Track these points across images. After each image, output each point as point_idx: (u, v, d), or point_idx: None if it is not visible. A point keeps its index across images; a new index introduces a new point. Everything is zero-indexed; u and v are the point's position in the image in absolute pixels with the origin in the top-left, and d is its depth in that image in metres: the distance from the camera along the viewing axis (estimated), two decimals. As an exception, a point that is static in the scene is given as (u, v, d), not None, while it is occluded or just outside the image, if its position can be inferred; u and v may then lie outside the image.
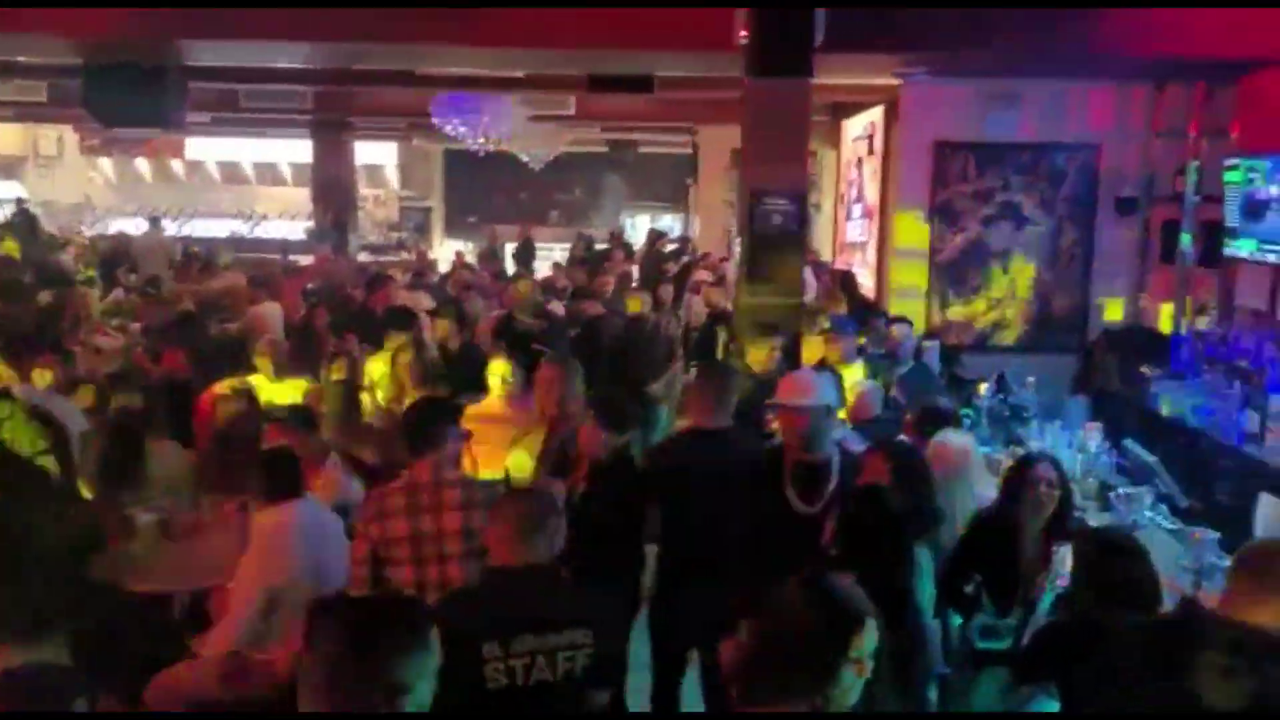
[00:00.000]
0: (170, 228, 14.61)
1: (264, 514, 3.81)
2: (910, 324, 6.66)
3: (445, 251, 19.42)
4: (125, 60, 7.91)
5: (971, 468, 4.30)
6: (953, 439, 4.37)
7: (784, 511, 3.72)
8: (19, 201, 16.53)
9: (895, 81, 8.83)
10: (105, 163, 21.11)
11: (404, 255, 17.09)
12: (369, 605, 2.36)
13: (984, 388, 6.61)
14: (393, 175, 22.07)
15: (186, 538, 4.43)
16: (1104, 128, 8.64)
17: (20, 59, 10.25)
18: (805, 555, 3.23)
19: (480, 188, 21.72)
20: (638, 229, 22.05)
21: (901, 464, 3.65)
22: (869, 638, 2.03)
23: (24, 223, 15.02)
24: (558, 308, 9.31)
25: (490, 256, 16.25)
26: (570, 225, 21.63)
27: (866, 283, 10.37)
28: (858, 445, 4.22)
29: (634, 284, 11.25)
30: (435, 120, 11.85)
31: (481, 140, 12.36)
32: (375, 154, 20.66)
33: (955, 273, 9.04)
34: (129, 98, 7.95)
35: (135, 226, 16.72)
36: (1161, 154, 8.56)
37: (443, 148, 20.31)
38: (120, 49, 7.70)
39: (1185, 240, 8.19)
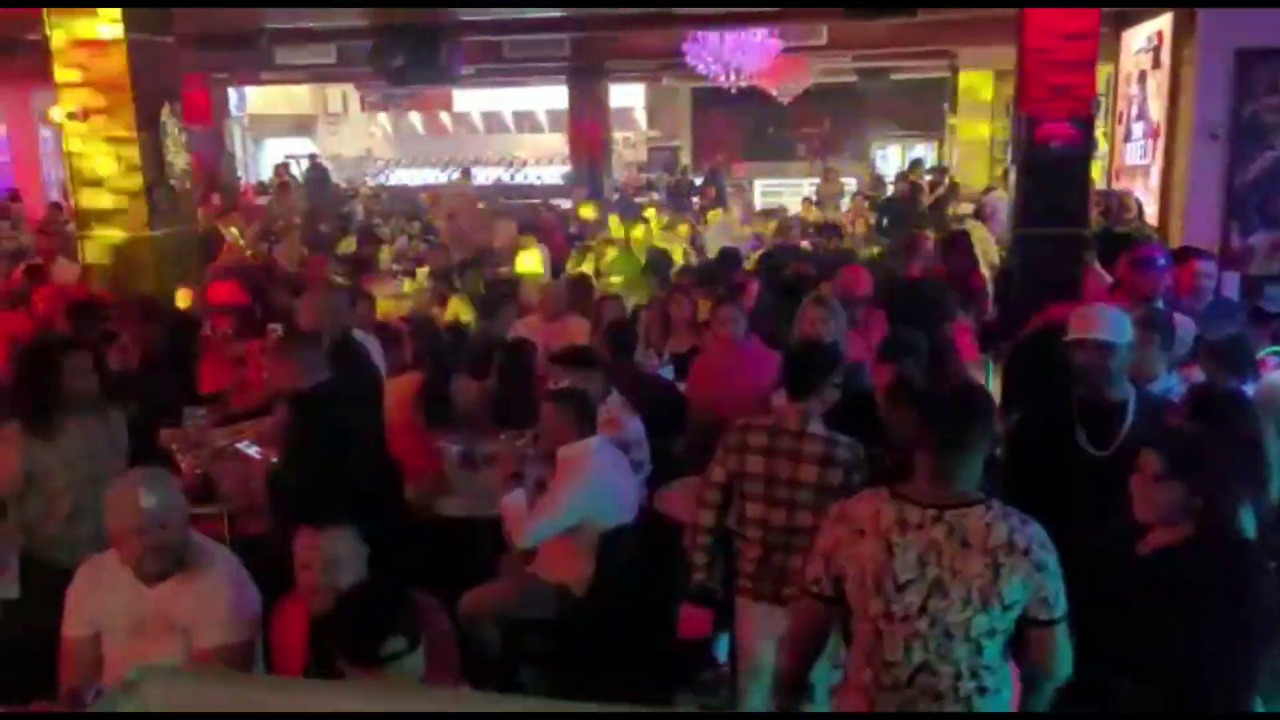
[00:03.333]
0: (442, 177, 15.60)
1: (568, 448, 4.07)
2: (1213, 258, 6.09)
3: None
4: (407, 20, 8.45)
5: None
6: (1273, 378, 4.00)
7: (1072, 454, 3.56)
8: (312, 157, 18.12)
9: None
10: (383, 117, 22.70)
11: (654, 196, 17.39)
12: None
13: (1297, 322, 5.99)
14: (641, 117, 22.40)
15: (487, 467, 4.79)
16: None
17: (312, 25, 11.16)
18: (1096, 501, 3.10)
19: (727, 125, 21.65)
20: (888, 160, 21.33)
21: (1211, 411, 3.36)
22: None
23: (318, 176, 16.46)
24: (806, 245, 9.24)
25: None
26: (817, 159, 21.18)
27: (1150, 209, 9.57)
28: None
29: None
30: (689, 59, 11.91)
31: (733, 77, 12.30)
32: (624, 97, 21.01)
33: (1259, 195, 8.18)
34: (412, 56, 8.49)
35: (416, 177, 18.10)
36: None
37: (690, 86, 20.36)
38: (403, 10, 8.23)
39: None
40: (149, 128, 6.66)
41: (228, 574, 3.01)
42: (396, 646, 2.50)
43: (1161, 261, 5.38)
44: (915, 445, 2.66)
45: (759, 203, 16.44)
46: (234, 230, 11.07)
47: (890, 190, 14.74)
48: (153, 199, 6.67)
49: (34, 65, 8.81)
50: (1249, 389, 4.00)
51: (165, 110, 6.77)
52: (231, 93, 17.10)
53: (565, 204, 14.59)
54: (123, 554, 2.93)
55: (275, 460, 4.38)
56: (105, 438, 3.91)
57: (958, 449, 2.58)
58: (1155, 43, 9.81)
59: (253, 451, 4.61)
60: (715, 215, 11.21)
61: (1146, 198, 9.79)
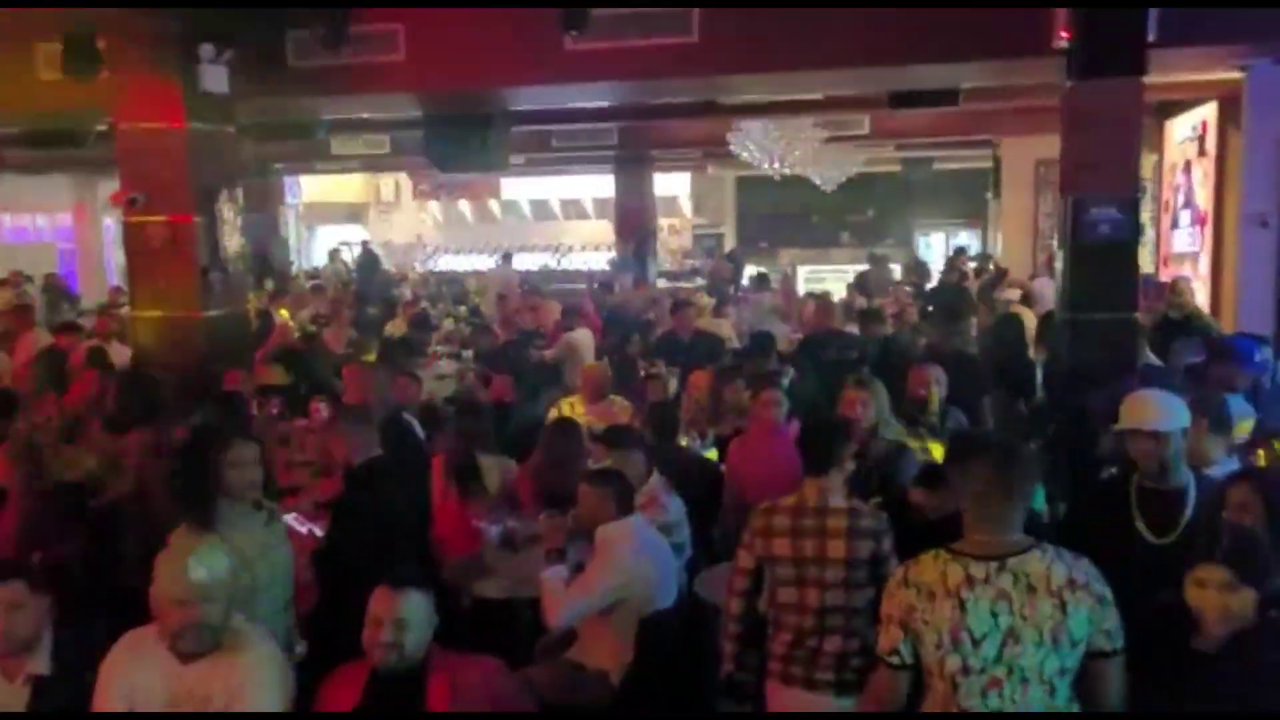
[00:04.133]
0: (490, 262, 15.90)
1: (606, 529, 4.02)
2: (1268, 342, 6.00)
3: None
4: (459, 111, 8.69)
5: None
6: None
7: (1131, 542, 3.46)
8: (364, 243, 18.55)
9: (1233, 74, 8.03)
10: (434, 205, 23.24)
11: (699, 281, 17.53)
12: None
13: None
14: (686, 204, 22.72)
15: (526, 548, 4.74)
16: None
17: (367, 115, 11.52)
18: (1157, 589, 3.01)
19: (771, 212, 21.89)
20: (932, 247, 21.38)
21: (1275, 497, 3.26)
22: None
23: (369, 261, 16.83)
24: (852, 328, 9.20)
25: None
26: (863, 246, 21.25)
27: (1200, 297, 9.45)
28: None
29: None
30: (733, 148, 12.10)
31: (777, 165, 12.47)
32: (669, 185, 21.36)
33: (1315, 281, 8.07)
34: (463, 145, 8.72)
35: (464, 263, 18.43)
36: None
37: (735, 175, 20.64)
38: (454, 101, 8.47)
39: None
40: (205, 213, 6.87)
41: (266, 655, 2.98)
42: None
43: (1258, 358, 5.26)
44: (967, 502, 2.73)
45: (802, 289, 16.47)
46: (284, 313, 11.29)
47: (936, 279, 14.72)
48: (206, 282, 6.84)
49: (100, 155, 9.18)
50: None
51: (223, 196, 6.99)
52: (287, 180, 17.63)
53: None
54: (163, 625, 2.91)
55: (322, 535, 4.39)
56: (268, 537, 3.71)
57: (1012, 497, 2.67)
58: (1200, 131, 9.82)
59: (297, 524, 4.61)
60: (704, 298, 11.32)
61: (1196, 285, 9.68)
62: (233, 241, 6.98)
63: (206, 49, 6.42)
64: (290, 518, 4.63)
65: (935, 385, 5.37)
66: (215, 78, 6.71)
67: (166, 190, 6.82)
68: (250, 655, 2.94)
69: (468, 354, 9.34)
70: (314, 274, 16.83)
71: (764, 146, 11.94)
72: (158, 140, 6.82)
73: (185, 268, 6.83)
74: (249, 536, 3.58)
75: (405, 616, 2.86)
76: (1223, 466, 3.96)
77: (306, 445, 5.82)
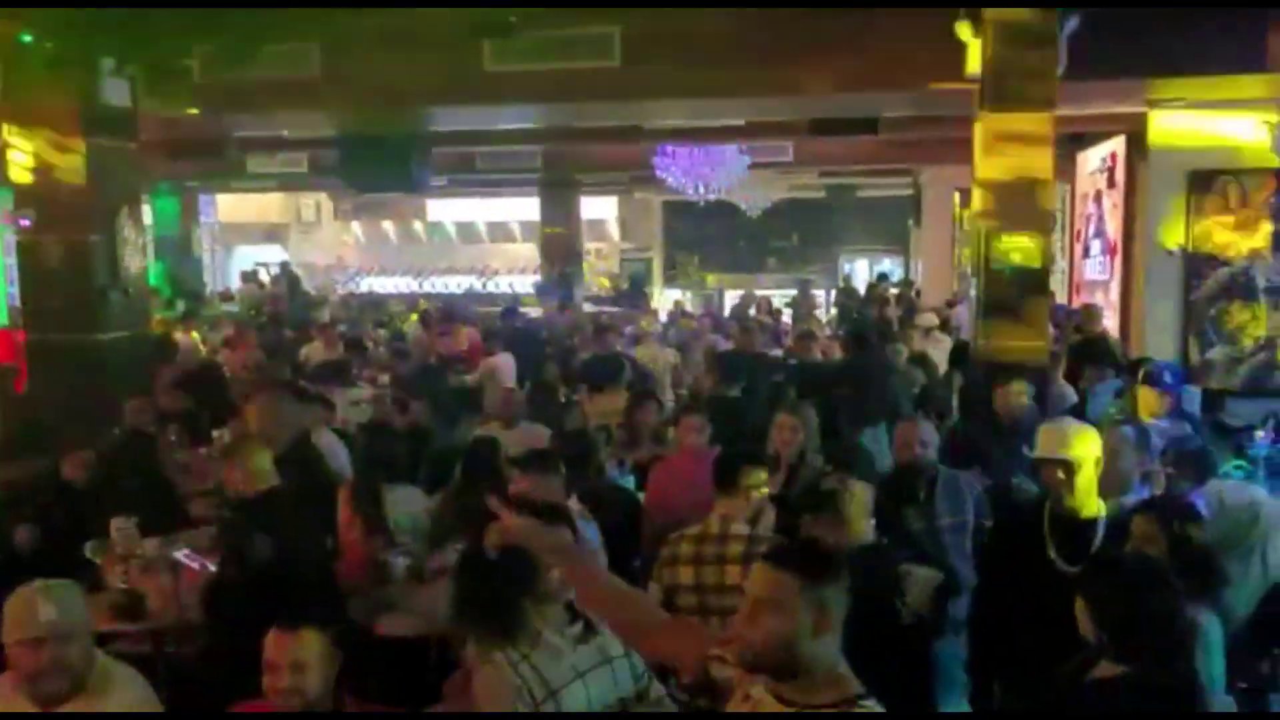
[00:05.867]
0: (414, 284, 15.65)
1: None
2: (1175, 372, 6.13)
3: (664, 301, 19.77)
4: (376, 131, 8.53)
5: (1263, 525, 3.86)
6: (1236, 490, 3.95)
7: (1042, 569, 3.46)
8: (283, 264, 18.13)
9: (1139, 109, 8.28)
10: (356, 226, 22.86)
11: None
12: None
13: (1260, 435, 6.00)
14: (613, 228, 22.70)
15: (435, 581, 4.57)
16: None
17: (285, 133, 11.27)
18: (1067, 616, 3.00)
19: (698, 237, 22.01)
20: (856, 273, 21.71)
21: (1177, 526, 3.29)
22: None
23: (288, 282, 16.44)
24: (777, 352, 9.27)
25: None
26: (788, 272, 21.50)
27: (1111, 323, 9.69)
28: None
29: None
30: (658, 172, 12.11)
31: (702, 190, 12.51)
32: (597, 208, 21.35)
33: (1216, 310, 8.30)
34: (380, 166, 8.54)
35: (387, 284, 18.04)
36: None
37: (662, 199, 20.72)
38: (373, 120, 8.31)
39: None
40: (105, 231, 6.61)
41: (134, 699, 2.82)
42: None
43: (1168, 379, 5.37)
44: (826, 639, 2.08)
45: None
46: (195, 335, 10.93)
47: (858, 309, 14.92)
48: (105, 302, 6.57)
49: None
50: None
51: (123, 214, 6.73)
52: (202, 199, 17.16)
53: (535, 312, 14.61)
54: (19, 671, 2.73)
55: (214, 570, 4.19)
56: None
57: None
58: (1109, 163, 10.09)
59: (187, 559, 4.39)
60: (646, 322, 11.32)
61: (1107, 311, 9.92)
62: (134, 261, 6.72)
63: (107, 61, 6.20)
64: (182, 554, 4.41)
65: (921, 447, 4.39)
66: (117, 91, 6.48)
67: (64, 207, 6.55)
68: (118, 698, 2.78)
69: (385, 379, 9.12)
70: (228, 295, 16.39)
71: (689, 171, 11.98)
72: (54, 155, 6.56)
73: (83, 288, 6.55)
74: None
75: (302, 658, 2.74)
76: (1136, 494, 4.00)
77: (208, 475, 5.58)
